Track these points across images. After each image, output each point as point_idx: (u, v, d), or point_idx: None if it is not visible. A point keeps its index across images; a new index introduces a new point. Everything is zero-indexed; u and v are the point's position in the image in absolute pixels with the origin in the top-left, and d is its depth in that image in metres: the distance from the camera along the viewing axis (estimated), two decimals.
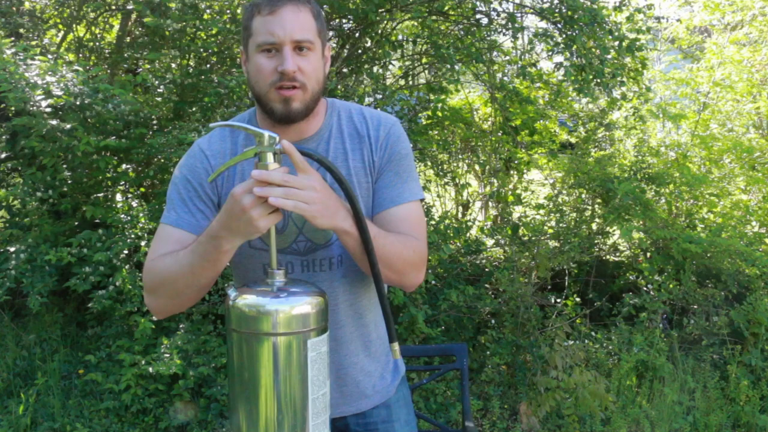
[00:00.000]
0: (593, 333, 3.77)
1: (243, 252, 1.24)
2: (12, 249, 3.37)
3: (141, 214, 3.37)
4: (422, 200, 1.29)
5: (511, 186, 4.68)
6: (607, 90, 3.98)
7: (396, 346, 1.15)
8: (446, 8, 4.28)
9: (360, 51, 4.34)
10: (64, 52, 4.10)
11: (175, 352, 3.11)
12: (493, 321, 3.73)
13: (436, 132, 4.67)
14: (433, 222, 3.93)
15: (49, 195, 3.49)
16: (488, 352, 3.52)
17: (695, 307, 3.92)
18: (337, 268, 1.26)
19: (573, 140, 5.14)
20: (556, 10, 3.93)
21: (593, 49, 3.77)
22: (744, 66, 4.95)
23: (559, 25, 3.95)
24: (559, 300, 4.09)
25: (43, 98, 3.15)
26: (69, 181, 3.56)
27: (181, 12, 3.56)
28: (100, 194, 3.67)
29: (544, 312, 3.73)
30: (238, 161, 1.03)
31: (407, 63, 4.68)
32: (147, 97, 3.99)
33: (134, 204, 3.62)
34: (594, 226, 4.43)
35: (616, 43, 3.80)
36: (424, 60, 4.55)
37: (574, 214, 4.42)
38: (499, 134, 4.70)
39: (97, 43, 4.64)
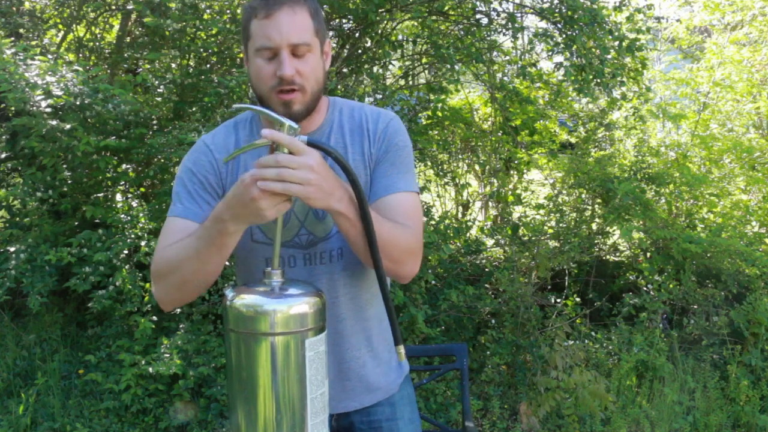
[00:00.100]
0: (593, 333, 3.77)
1: (246, 246, 1.25)
2: (12, 249, 3.37)
3: (141, 214, 3.37)
4: (418, 194, 1.28)
5: (511, 186, 4.68)
6: (607, 90, 3.98)
7: (401, 348, 1.14)
8: (446, 8, 4.28)
9: (360, 51, 4.33)
10: (64, 52, 4.10)
11: (175, 352, 3.12)
12: (493, 321, 3.73)
13: (436, 132, 4.66)
14: (433, 222, 3.92)
15: (49, 195, 3.49)
16: (488, 352, 3.52)
17: (695, 307, 3.92)
18: (337, 260, 1.26)
19: (573, 140, 5.13)
20: (556, 10, 3.93)
21: (593, 49, 3.77)
22: (744, 66, 4.95)
23: (559, 25, 3.95)
24: (559, 300, 4.08)
25: (43, 98, 3.15)
26: (69, 181, 3.57)
27: (181, 12, 3.56)
28: (100, 194, 3.67)
29: (544, 312, 3.73)
30: (254, 148, 1.03)
31: (407, 63, 4.68)
32: (147, 97, 3.99)
33: (134, 204, 3.62)
34: (594, 226, 4.43)
35: (616, 43, 3.80)
36: (424, 60, 4.55)
37: (574, 214, 4.42)
38: (499, 134, 4.70)
39: (97, 43, 4.64)
